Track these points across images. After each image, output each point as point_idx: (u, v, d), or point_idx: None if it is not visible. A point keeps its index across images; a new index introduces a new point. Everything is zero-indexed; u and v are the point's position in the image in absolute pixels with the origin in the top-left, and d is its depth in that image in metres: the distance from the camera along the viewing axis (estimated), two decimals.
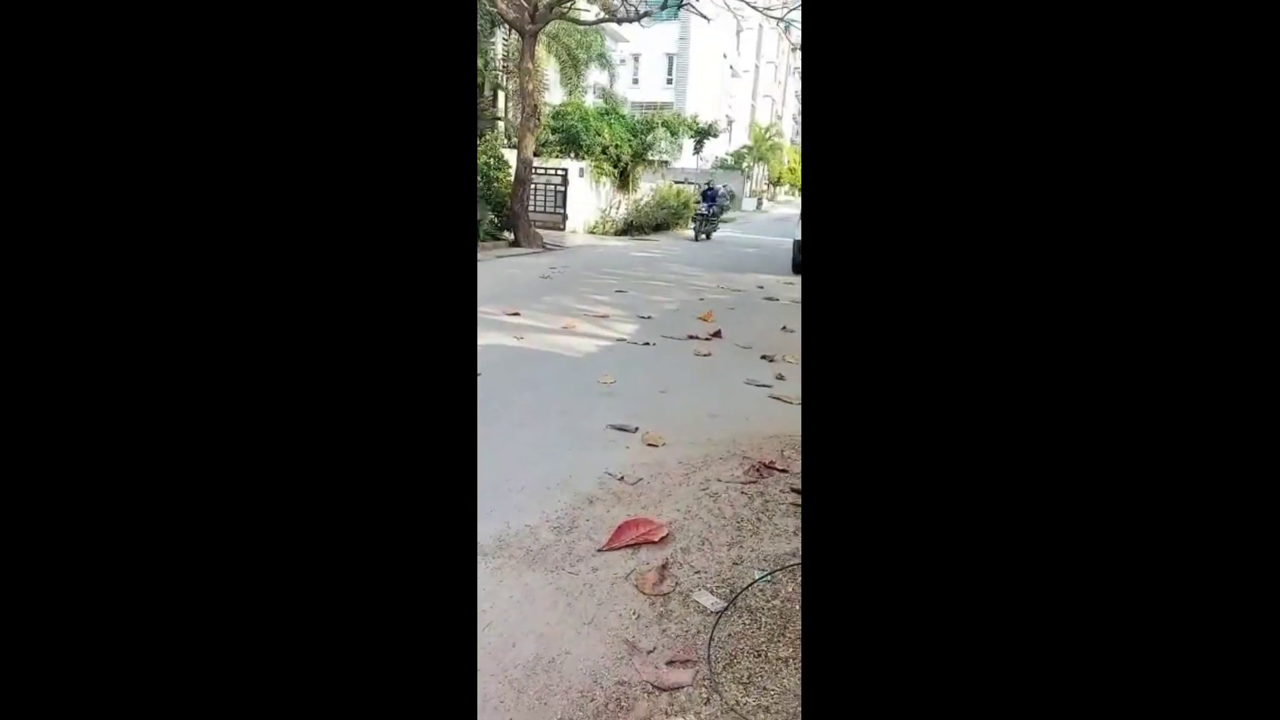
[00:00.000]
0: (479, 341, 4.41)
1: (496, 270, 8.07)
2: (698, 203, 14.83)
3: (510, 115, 14.06)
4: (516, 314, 5.35)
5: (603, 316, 5.53)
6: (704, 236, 13.94)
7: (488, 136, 12.24)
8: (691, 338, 4.90)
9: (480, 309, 5.45)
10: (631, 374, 3.90)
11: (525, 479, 2.43)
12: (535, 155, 11.02)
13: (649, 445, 2.83)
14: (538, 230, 10.89)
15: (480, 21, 13.20)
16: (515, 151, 10.75)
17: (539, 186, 12.55)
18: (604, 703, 1.37)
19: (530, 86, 10.21)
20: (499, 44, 14.05)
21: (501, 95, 14.38)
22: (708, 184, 15.27)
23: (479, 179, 10.15)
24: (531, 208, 11.29)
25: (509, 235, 10.40)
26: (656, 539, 2.04)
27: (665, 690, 1.41)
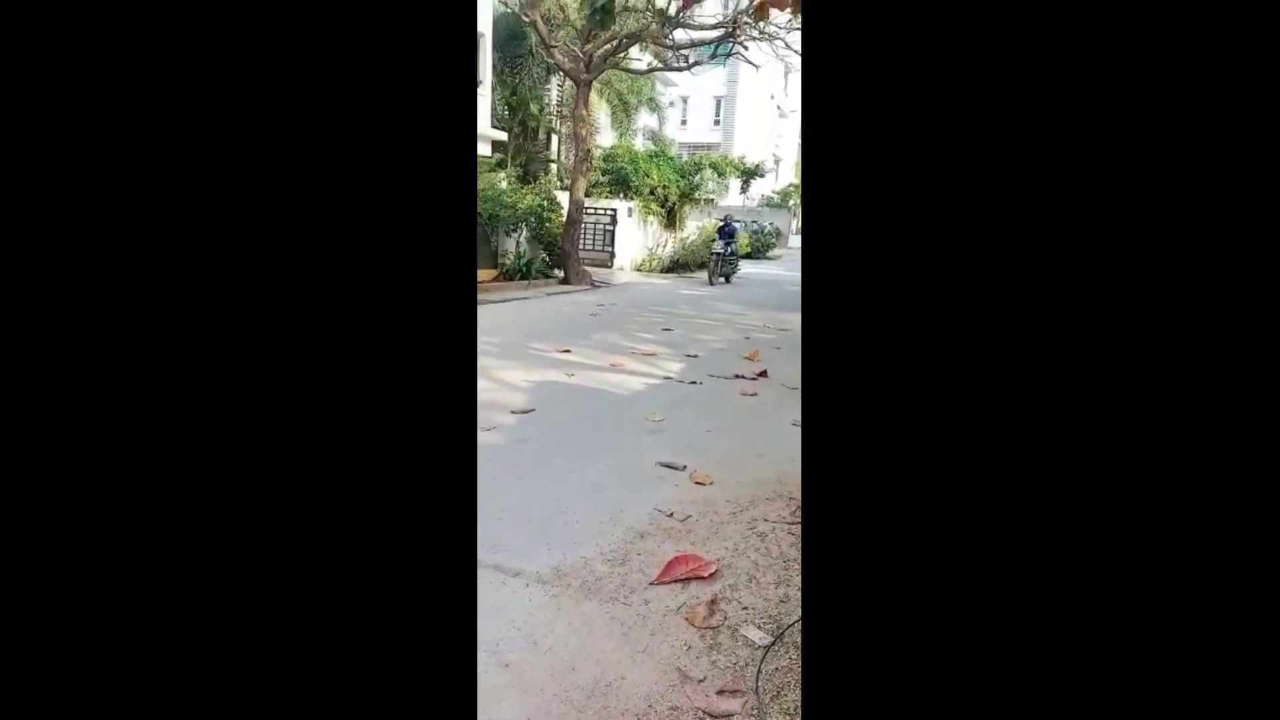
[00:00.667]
0: (532, 378, 4.61)
1: (547, 307, 8.35)
2: (713, 241, 12.99)
3: (563, 158, 14.58)
4: (567, 351, 5.54)
5: (650, 354, 5.68)
6: (721, 279, 12.31)
7: (542, 179, 12.72)
8: (738, 377, 5.00)
9: (533, 345, 5.68)
10: (679, 412, 4.02)
11: (579, 513, 2.56)
12: (586, 196, 11.41)
13: (697, 483, 2.93)
14: (587, 268, 11.21)
15: (536, 70, 13.83)
16: (568, 193, 11.15)
17: (588, 225, 12.93)
18: None
19: (583, 132, 10.65)
20: (554, 90, 14.68)
21: (555, 139, 14.94)
22: (724, 220, 13.27)
23: (532, 219, 10.54)
24: (581, 246, 11.64)
25: (559, 273, 10.74)
26: (706, 575, 2.13)
27: (715, 718, 1.50)
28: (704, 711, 1.51)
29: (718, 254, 12.35)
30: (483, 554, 2.16)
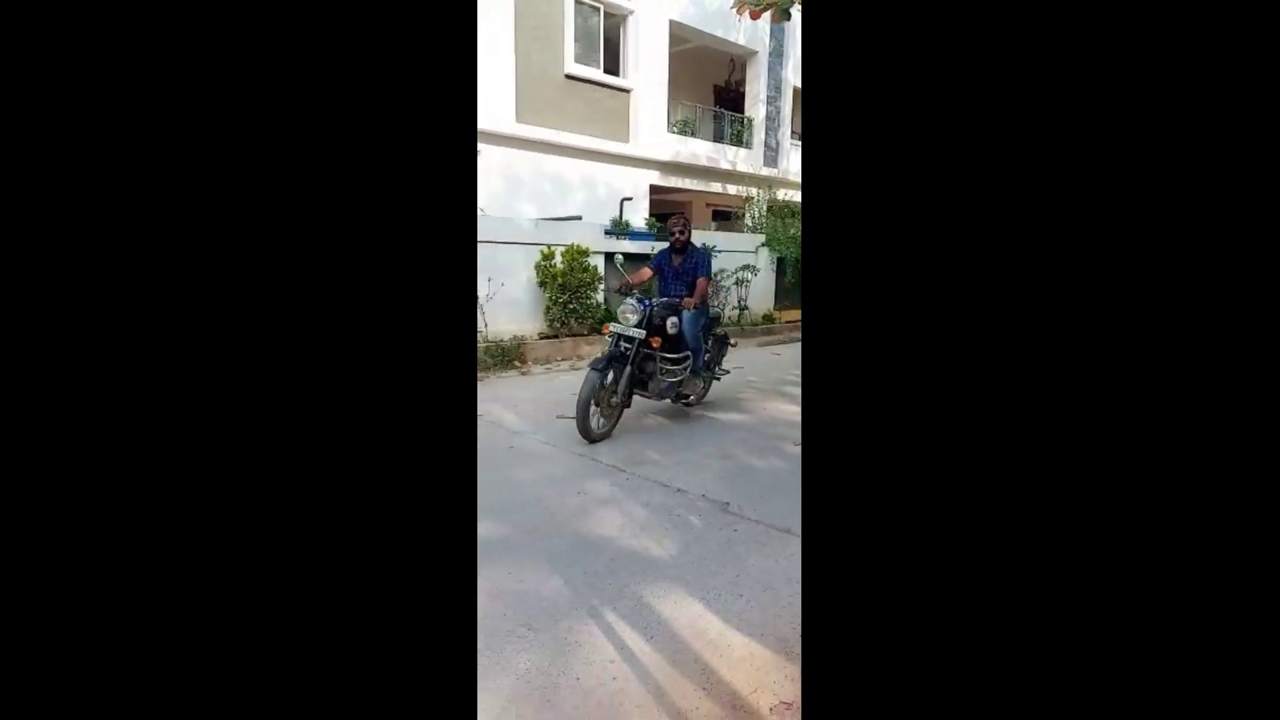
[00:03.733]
0: None
1: None
2: (622, 292, 4.07)
3: None
4: None
5: None
6: (667, 400, 4.24)
7: None
8: None
9: None
10: None
11: None
12: None
13: None
14: None
15: None
16: None
17: None
18: None
19: None
20: None
21: None
22: (676, 230, 4.25)
23: None
24: None
25: None
26: None
27: None
28: None
29: (621, 340, 3.88)
30: (772, 519, 2.82)
